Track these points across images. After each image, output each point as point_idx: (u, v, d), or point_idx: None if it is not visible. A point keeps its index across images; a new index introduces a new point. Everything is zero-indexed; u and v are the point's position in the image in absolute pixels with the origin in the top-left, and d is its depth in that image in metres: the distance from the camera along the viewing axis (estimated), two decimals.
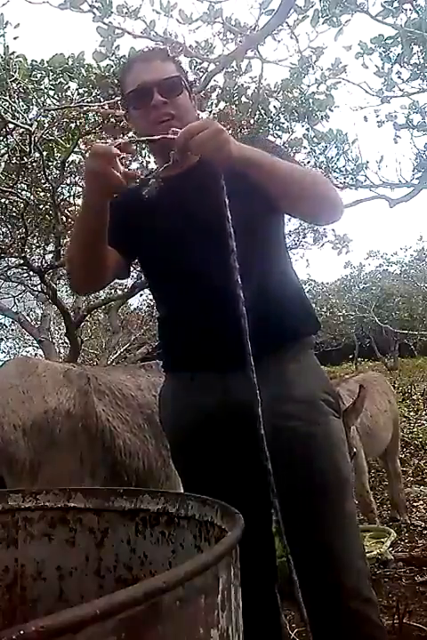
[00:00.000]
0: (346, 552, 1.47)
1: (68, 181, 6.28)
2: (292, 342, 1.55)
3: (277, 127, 6.02)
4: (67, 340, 7.60)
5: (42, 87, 4.85)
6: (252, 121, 5.68)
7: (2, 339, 11.94)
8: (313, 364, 1.62)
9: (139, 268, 4.09)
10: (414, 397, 9.67)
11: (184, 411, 1.56)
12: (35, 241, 7.14)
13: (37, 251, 7.37)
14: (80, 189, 6.45)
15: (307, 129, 6.07)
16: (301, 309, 1.59)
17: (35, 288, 7.98)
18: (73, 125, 5.19)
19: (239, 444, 1.50)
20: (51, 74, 4.76)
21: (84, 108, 4.90)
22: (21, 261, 6.36)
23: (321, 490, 1.47)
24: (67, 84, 4.85)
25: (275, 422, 1.47)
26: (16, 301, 8.73)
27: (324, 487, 1.47)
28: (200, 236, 1.51)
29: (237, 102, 5.65)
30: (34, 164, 5.53)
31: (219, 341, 1.48)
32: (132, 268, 1.84)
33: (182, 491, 1.66)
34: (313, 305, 1.79)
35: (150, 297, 7.74)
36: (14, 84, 4.56)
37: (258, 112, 5.71)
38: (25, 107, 4.87)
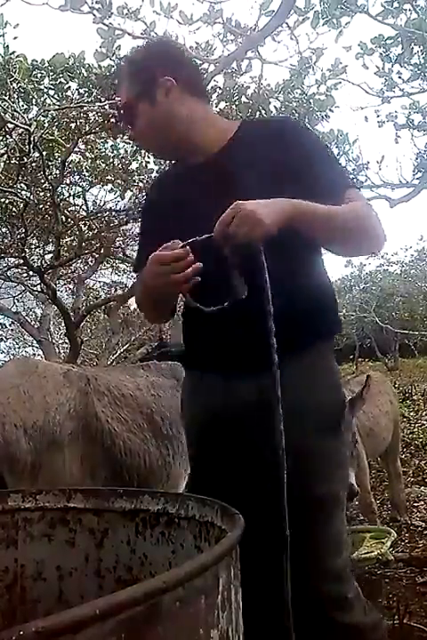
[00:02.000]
0: (331, 559, 1.45)
1: (68, 181, 6.29)
2: (309, 348, 1.50)
3: None
4: (67, 340, 7.59)
5: (42, 87, 4.85)
6: None
7: (2, 339, 11.93)
8: (327, 367, 1.56)
9: None
10: (415, 397, 9.66)
11: (195, 407, 1.61)
12: (34, 241, 7.14)
13: (37, 251, 7.38)
14: (80, 189, 6.47)
15: None
16: (317, 312, 1.51)
17: (35, 288, 7.98)
18: (73, 125, 5.19)
19: (242, 445, 1.50)
20: (51, 74, 4.76)
21: (84, 108, 4.90)
22: (21, 261, 6.37)
23: (314, 498, 1.45)
24: (67, 83, 4.84)
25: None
26: (16, 301, 8.73)
27: (317, 496, 1.45)
28: None
29: (237, 102, 5.64)
30: (34, 164, 5.54)
31: (226, 343, 1.48)
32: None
33: (186, 485, 1.66)
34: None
35: None
36: (14, 84, 4.56)
37: (258, 112, 5.70)
38: (25, 107, 4.86)
